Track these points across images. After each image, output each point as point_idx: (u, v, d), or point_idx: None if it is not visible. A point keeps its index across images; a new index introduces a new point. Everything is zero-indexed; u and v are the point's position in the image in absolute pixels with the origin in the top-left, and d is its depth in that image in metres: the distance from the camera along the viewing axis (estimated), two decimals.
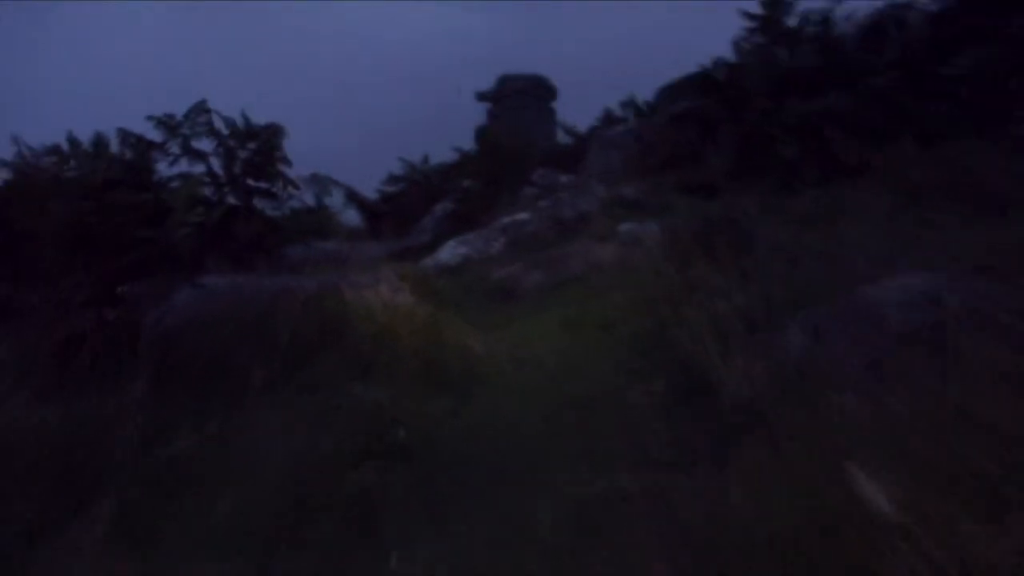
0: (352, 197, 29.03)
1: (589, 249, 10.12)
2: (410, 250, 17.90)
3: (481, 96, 31.77)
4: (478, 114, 30.37)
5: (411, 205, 24.63)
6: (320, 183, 13.10)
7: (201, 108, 11.76)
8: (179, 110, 11.80)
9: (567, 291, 8.81)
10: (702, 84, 18.45)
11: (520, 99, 30.90)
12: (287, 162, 12.50)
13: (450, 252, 11.71)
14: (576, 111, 30.91)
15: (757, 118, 12.35)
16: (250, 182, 12.40)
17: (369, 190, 27.68)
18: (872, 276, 5.51)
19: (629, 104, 30.57)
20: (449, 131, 29.97)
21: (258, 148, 12.06)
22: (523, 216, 12.53)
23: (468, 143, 23.77)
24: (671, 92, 27.10)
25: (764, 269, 6.18)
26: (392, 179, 26.09)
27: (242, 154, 12.07)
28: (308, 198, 13.83)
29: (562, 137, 31.09)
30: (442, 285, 8.92)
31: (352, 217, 29.29)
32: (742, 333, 5.07)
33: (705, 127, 16.76)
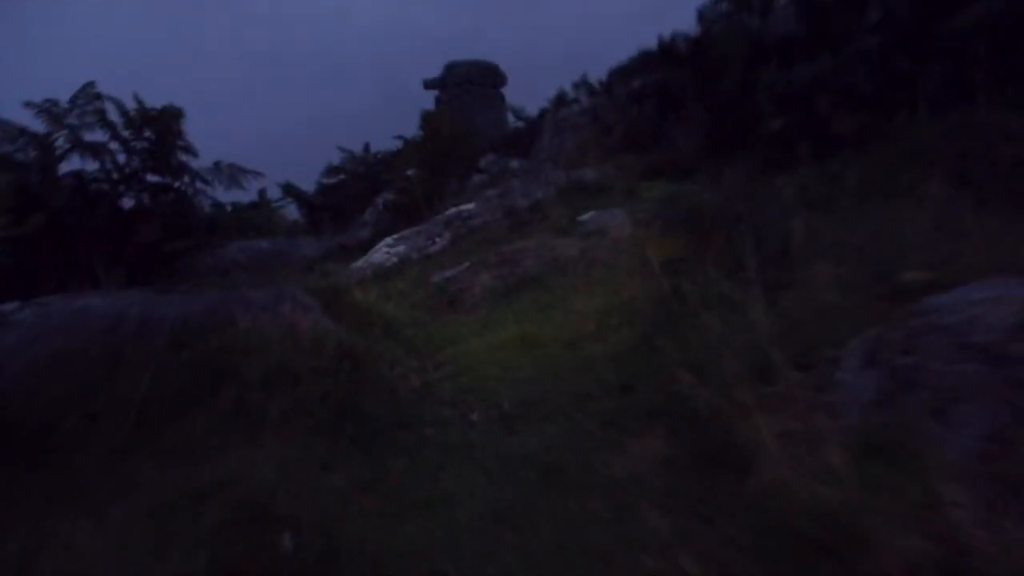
0: (289, 190, 27.22)
1: (546, 243, 8.59)
2: (347, 247, 16.26)
3: (428, 84, 31.01)
4: (427, 103, 29.62)
5: (352, 197, 22.86)
6: (227, 173, 11.41)
7: (89, 92, 9.98)
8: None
9: (523, 297, 7.29)
10: (663, 58, 17.02)
11: (468, 86, 30.28)
12: (191, 151, 10.75)
13: (385, 252, 10.10)
14: (527, 97, 29.85)
15: (732, 90, 10.90)
16: (149, 177, 10.66)
17: (312, 183, 26.00)
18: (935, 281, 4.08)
19: (582, 84, 29.12)
20: (400, 122, 28.56)
21: (156, 137, 10.31)
22: (469, 207, 10.95)
23: (414, 132, 22.19)
24: (626, 71, 25.95)
25: (779, 269, 4.71)
26: (331, 170, 24.29)
27: (138, 145, 10.31)
28: (218, 191, 12.20)
29: (513, 122, 30.10)
30: (370, 297, 7.29)
31: (293, 212, 27.58)
32: (771, 367, 3.54)
33: (668, 103, 15.34)
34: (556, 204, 10.34)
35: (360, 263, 10.26)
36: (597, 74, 27.61)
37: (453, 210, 10.99)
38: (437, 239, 10.24)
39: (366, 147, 24.47)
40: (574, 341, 5.67)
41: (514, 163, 16.82)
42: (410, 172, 15.21)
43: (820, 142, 8.85)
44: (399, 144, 22.44)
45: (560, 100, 28.09)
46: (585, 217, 9.18)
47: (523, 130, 26.34)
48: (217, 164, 11.00)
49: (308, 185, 26.04)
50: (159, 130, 9.97)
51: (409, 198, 14.36)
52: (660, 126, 14.49)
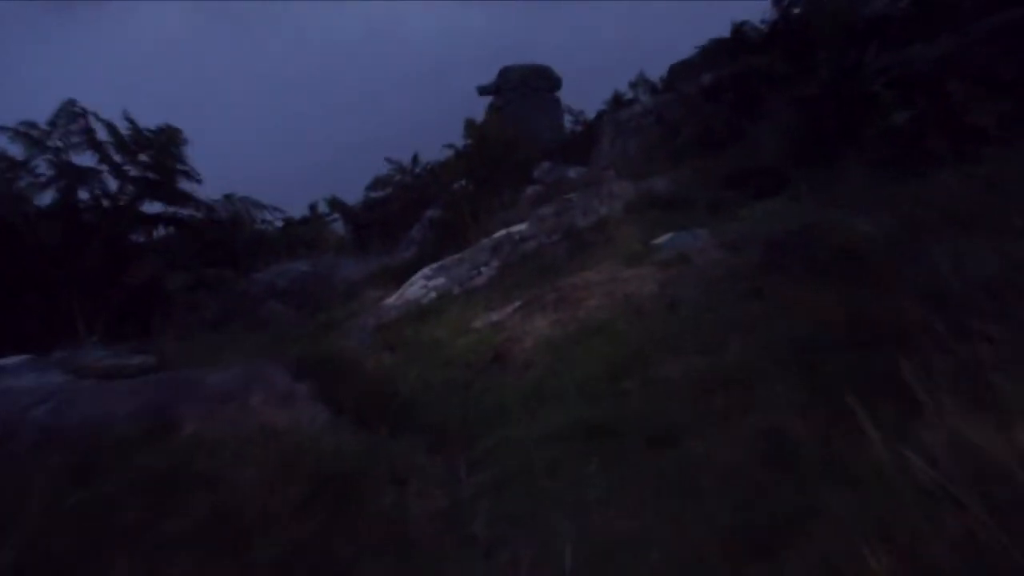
0: (335, 205, 25.93)
1: (615, 275, 6.91)
2: (390, 270, 14.77)
3: (482, 90, 30.19)
4: (481, 109, 28.81)
5: (399, 212, 21.34)
6: (240, 207, 9.97)
7: (71, 111, 8.58)
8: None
9: (589, 354, 5.59)
10: (737, 46, 15.17)
11: (523, 90, 29.41)
12: (193, 177, 9.32)
13: (422, 285, 8.51)
14: (584, 100, 28.42)
15: (830, 77, 9.04)
16: (146, 207, 9.21)
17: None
18: None
19: (640, 83, 27.42)
20: (455, 130, 27.13)
21: (153, 161, 8.86)
22: (521, 227, 9.31)
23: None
24: (691, 65, 24.07)
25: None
26: (377, 182, 22.87)
27: (133, 170, 8.87)
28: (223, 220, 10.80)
29: (570, 126, 28.69)
30: (388, 361, 5.69)
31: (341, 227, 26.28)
32: None
33: (745, 98, 13.50)
34: (624, 223, 8.65)
35: (393, 299, 8.69)
36: (657, 72, 26.04)
37: (502, 231, 9.36)
38: (483, 268, 8.63)
39: (414, 158, 22.90)
40: (665, 436, 3.95)
41: (571, 171, 15.13)
42: (457, 184, 13.60)
43: (956, 137, 7.01)
44: (449, 154, 20.93)
45: (617, 101, 26.42)
46: (661, 240, 7.47)
47: (581, 134, 24.68)
48: (229, 197, 9.51)
49: (357, 199, 24.81)
50: (157, 154, 8.50)
51: (455, 214, 12.80)
52: (737, 125, 12.67)
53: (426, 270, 8.94)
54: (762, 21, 14.21)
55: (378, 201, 23.08)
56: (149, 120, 8.64)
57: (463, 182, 13.62)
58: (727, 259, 6.67)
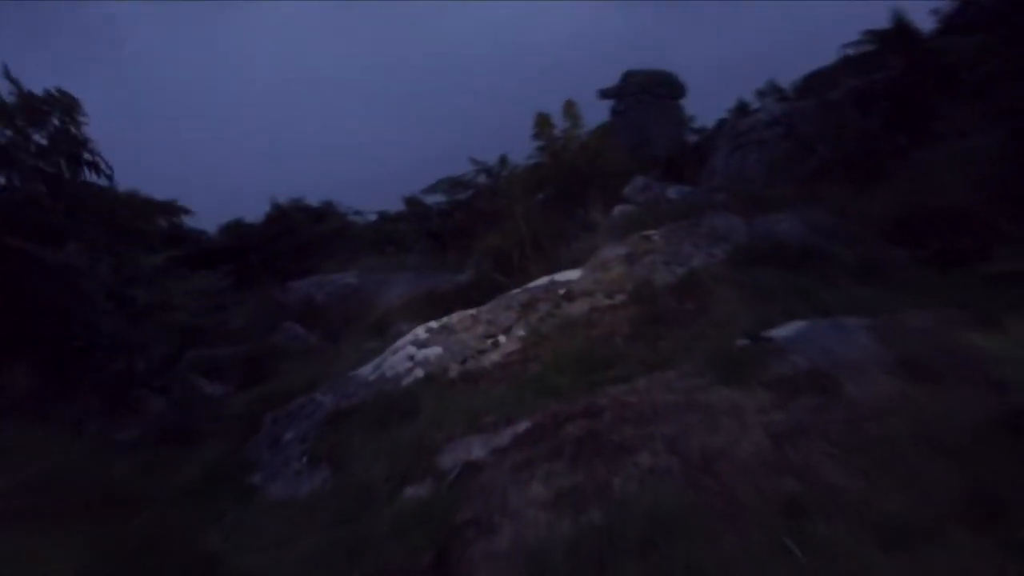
0: (413, 204, 23.26)
1: (695, 399, 3.87)
2: (435, 297, 11.96)
3: (604, 93, 28.35)
4: (603, 114, 26.83)
5: (479, 218, 18.19)
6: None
7: None
8: None
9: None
10: (899, 42, 11.67)
11: (644, 96, 27.73)
12: (99, 169, 6.68)
13: (409, 354, 5.62)
14: (709, 112, 25.42)
15: None
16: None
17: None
18: None
19: (769, 91, 23.88)
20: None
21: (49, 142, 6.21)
22: (571, 277, 6.29)
23: None
24: (828, 75, 20.60)
25: None
26: (451, 184, 20.00)
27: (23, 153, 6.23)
28: None
29: (690, 136, 26.07)
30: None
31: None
32: None
33: (908, 108, 10.09)
34: (725, 285, 5.55)
35: (369, 369, 5.82)
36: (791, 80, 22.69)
37: (543, 280, 6.36)
38: (501, 338, 5.66)
39: (502, 159, 19.87)
40: None
41: (672, 191, 11.97)
42: (527, 203, 10.61)
43: None
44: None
45: (741, 110, 23.05)
46: (784, 331, 4.36)
47: (693, 146, 21.35)
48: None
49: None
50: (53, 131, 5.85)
51: (512, 240, 9.86)
52: (901, 145, 9.29)
53: (420, 330, 6.02)
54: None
55: (457, 206, 20.25)
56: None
57: (525, 200, 10.59)
58: (911, 396, 3.53)
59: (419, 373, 5.48)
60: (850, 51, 13.51)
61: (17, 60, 6.37)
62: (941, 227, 5.97)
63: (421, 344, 5.77)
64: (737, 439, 3.43)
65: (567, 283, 6.14)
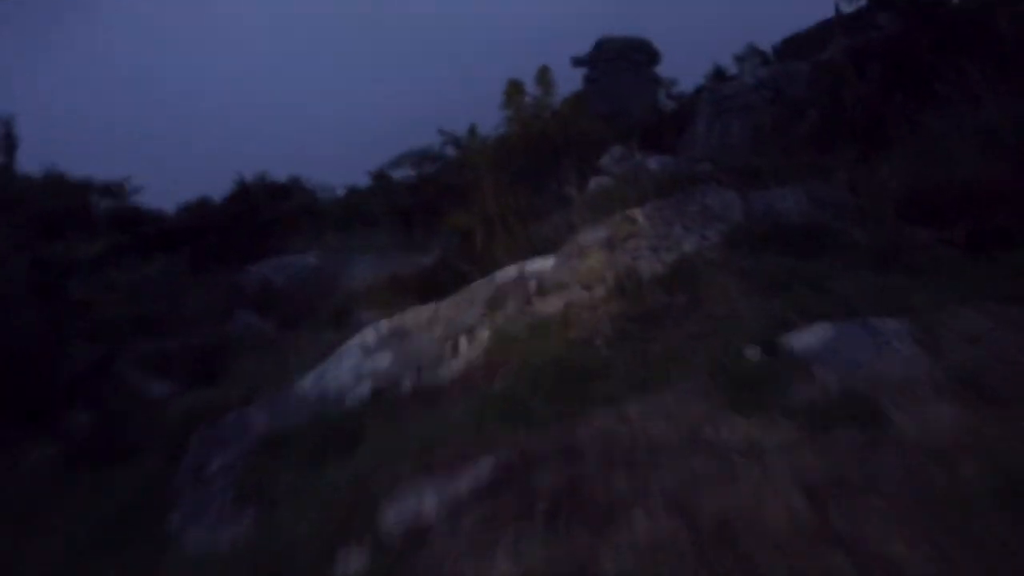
0: (381, 179, 22.25)
1: (700, 434, 3.05)
2: (400, 280, 11.13)
3: (576, 61, 27.75)
4: (576, 82, 26.02)
5: (444, 196, 17.30)
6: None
7: None
8: None
9: None
10: None
11: (619, 62, 27.11)
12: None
13: (354, 364, 4.77)
14: (685, 79, 24.66)
15: None
16: None
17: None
18: None
19: (750, 55, 23.07)
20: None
21: None
22: (544, 266, 5.44)
23: None
24: (809, 38, 19.93)
25: None
26: (417, 157, 19.07)
27: None
28: None
29: (664, 103, 25.32)
30: None
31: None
32: None
33: (913, 67, 9.28)
34: (725, 274, 4.72)
35: (310, 381, 4.96)
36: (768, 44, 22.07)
37: (512, 270, 5.51)
38: (463, 341, 4.81)
39: (471, 130, 18.88)
40: None
41: (652, 161, 11.09)
42: (486, 180, 9.70)
43: None
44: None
45: (720, 75, 22.27)
46: (804, 339, 3.57)
47: (672, 113, 20.50)
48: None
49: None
50: None
51: (478, 219, 8.99)
52: (904, 107, 8.48)
53: (370, 332, 5.15)
54: None
55: (425, 180, 19.29)
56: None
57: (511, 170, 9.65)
58: (978, 428, 2.74)
59: (366, 388, 4.64)
60: (844, 6, 12.59)
61: None
62: (968, 203, 5.18)
63: (370, 350, 4.92)
64: (761, 494, 2.62)
65: (539, 273, 5.29)
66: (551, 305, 4.91)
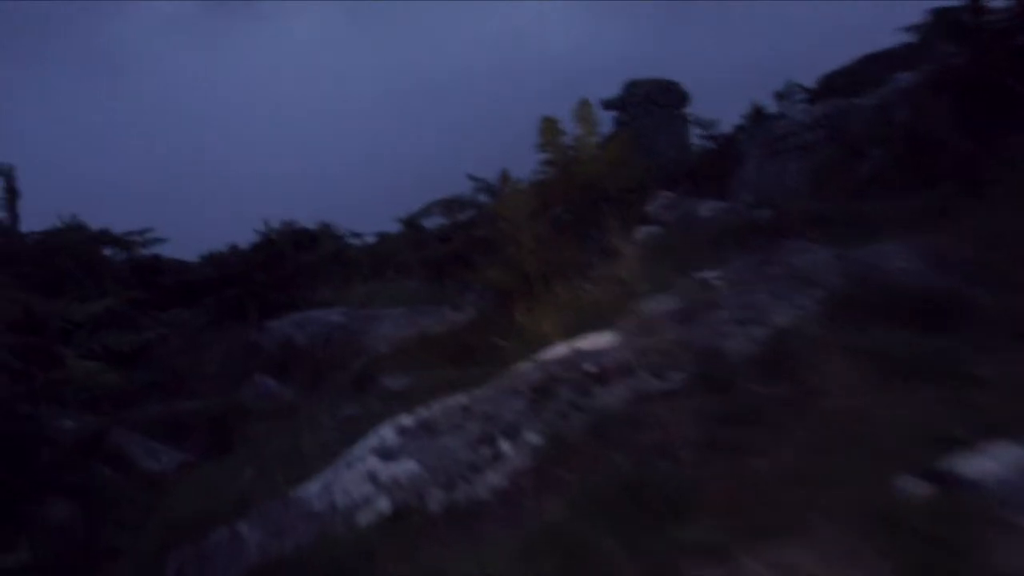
0: (411, 226, 21.42)
1: None
2: (430, 339, 10.21)
3: (607, 104, 26.98)
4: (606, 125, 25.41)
5: (478, 246, 16.34)
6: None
7: None
8: None
9: None
10: (957, 27, 9.81)
11: (649, 105, 26.41)
12: None
13: (368, 472, 3.80)
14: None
15: None
16: None
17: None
18: None
19: (790, 91, 21.96)
20: None
21: None
22: (600, 342, 4.44)
23: None
24: (850, 74, 19.03)
25: None
26: (447, 205, 18.20)
27: None
28: None
29: (698, 142, 24.52)
30: None
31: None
32: None
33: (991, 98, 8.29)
34: (835, 359, 3.70)
35: (316, 490, 3.98)
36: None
37: (562, 348, 4.52)
38: (504, 445, 3.82)
39: (503, 176, 17.94)
40: None
41: (704, 207, 10.16)
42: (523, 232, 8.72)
43: None
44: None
45: (758, 115, 21.33)
46: (986, 464, 2.52)
47: (713, 154, 19.57)
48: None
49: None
50: None
51: (516, 279, 8.04)
52: (990, 140, 7.49)
53: (389, 431, 4.16)
54: None
55: (455, 229, 18.39)
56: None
57: (531, 224, 8.68)
58: None
59: (383, 505, 3.65)
60: (908, 38, 11.61)
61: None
62: None
63: (390, 452, 3.95)
64: None
65: (596, 353, 4.29)
66: (615, 397, 3.92)
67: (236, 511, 4.35)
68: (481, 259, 11.60)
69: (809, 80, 20.18)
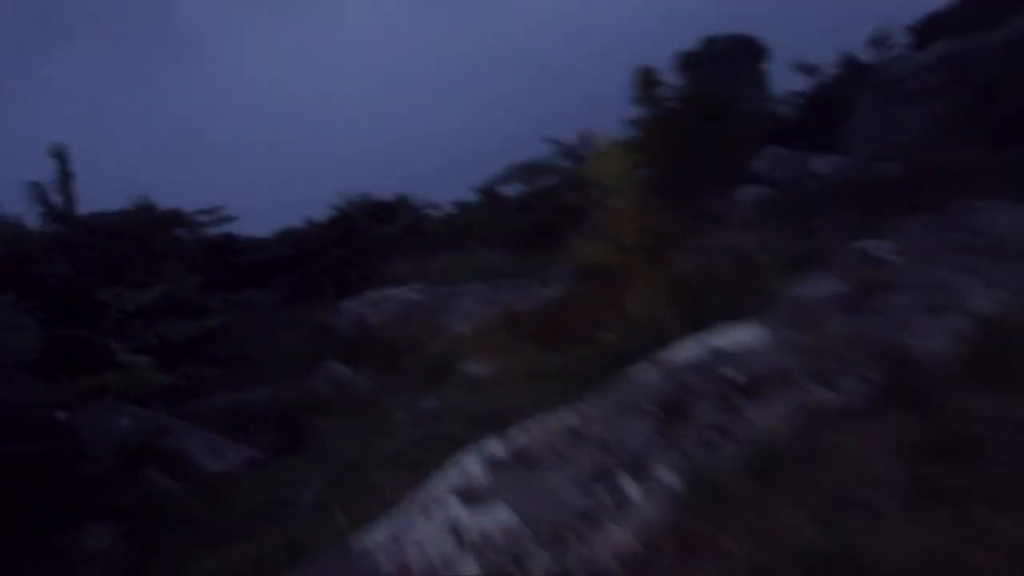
0: (488, 195, 20.53)
1: None
2: (514, 320, 9.30)
3: (683, 59, 25.52)
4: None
5: (561, 215, 15.25)
6: None
7: None
8: None
9: None
10: None
11: (726, 62, 24.42)
12: None
13: (446, 521, 2.87)
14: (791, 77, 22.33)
15: None
16: None
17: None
18: None
19: (885, 35, 20.04)
20: None
21: None
22: (743, 338, 3.42)
23: None
24: (952, 18, 17.25)
25: None
26: (526, 170, 17.22)
27: None
28: None
29: (787, 94, 22.93)
30: None
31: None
32: None
33: None
34: None
35: (381, 539, 3.09)
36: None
37: (691, 346, 3.52)
38: (629, 486, 2.86)
39: (584, 137, 16.73)
40: None
41: (818, 162, 8.96)
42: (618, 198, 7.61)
43: None
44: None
45: (851, 64, 19.72)
46: None
47: (814, 105, 18.09)
48: None
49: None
50: None
51: (613, 255, 6.99)
52: None
53: (474, 464, 3.23)
54: None
55: (537, 197, 17.38)
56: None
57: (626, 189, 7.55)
58: None
59: (469, 568, 2.76)
60: None
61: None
62: None
63: (476, 496, 3.03)
64: None
65: (739, 354, 3.28)
66: (775, 416, 2.92)
67: (288, 558, 3.51)
68: (568, 229, 10.64)
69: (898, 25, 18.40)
